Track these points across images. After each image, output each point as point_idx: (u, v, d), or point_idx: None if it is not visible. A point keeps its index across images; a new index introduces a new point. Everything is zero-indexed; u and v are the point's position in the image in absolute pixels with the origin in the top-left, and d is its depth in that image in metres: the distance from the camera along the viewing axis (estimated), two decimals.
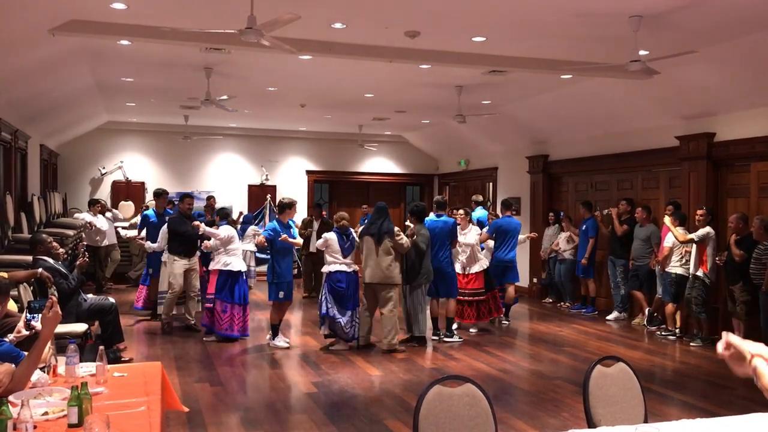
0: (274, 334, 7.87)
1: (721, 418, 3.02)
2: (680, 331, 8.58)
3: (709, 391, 6.21)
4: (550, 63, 7.61)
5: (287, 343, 7.86)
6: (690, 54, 6.20)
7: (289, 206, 7.93)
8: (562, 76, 8.47)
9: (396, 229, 7.70)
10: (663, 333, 8.71)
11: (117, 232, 12.26)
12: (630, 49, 6.15)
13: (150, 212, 9.54)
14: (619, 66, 6.30)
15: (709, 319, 8.24)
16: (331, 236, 7.69)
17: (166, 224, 8.73)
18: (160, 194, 9.50)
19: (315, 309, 10.64)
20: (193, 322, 8.66)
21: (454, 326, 8.52)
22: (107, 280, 12.58)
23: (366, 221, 8.70)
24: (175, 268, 8.43)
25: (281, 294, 7.67)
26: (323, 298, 7.63)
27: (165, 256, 8.67)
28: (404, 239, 7.66)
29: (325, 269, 7.69)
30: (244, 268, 8.18)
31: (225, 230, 8.16)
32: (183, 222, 8.44)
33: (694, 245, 8.09)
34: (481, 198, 11.63)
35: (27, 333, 3.76)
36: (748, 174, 8.17)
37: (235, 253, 8.10)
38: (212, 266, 8.15)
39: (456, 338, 8.30)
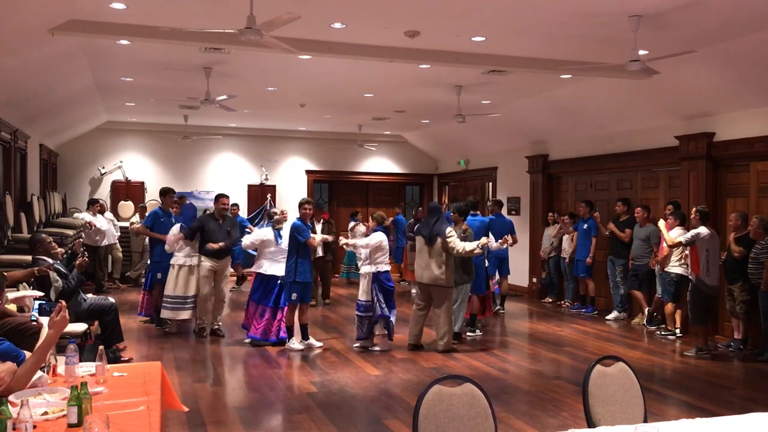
0: (289, 336, 7.74)
1: (720, 418, 3.02)
2: (680, 331, 8.58)
3: (709, 391, 6.21)
4: (550, 63, 7.61)
5: (302, 345, 7.71)
6: (689, 54, 6.20)
7: (299, 205, 7.82)
8: (561, 75, 8.47)
9: (448, 230, 7.50)
10: (663, 333, 8.71)
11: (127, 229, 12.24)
12: (629, 49, 6.15)
13: (157, 210, 9.12)
14: (618, 66, 6.30)
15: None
16: (383, 237, 7.67)
17: (177, 224, 8.44)
18: (166, 192, 9.17)
19: (316, 311, 10.66)
20: (217, 326, 8.41)
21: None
22: (113, 280, 12.56)
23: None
24: (202, 270, 8.20)
25: (294, 295, 7.56)
26: (374, 299, 7.52)
27: (173, 260, 8.35)
28: (455, 242, 7.42)
29: (373, 269, 7.58)
30: (279, 273, 7.82)
31: (262, 233, 8.02)
32: (215, 221, 8.28)
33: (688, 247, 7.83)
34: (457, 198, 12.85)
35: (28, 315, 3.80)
36: (748, 174, 8.17)
37: (272, 257, 7.87)
38: (252, 269, 8.09)
39: (478, 332, 8.56)
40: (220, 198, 8.45)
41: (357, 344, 7.79)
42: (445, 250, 7.43)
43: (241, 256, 10.87)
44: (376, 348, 7.72)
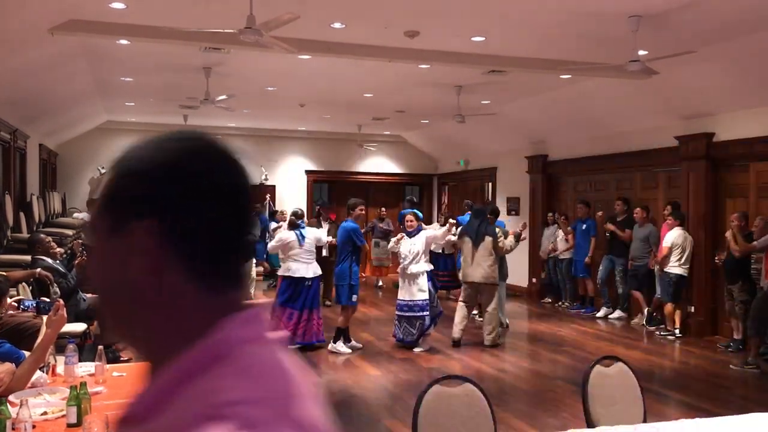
0: (347, 339, 7.61)
1: (719, 418, 3.03)
2: (680, 331, 8.58)
3: (708, 391, 6.21)
4: (550, 63, 7.61)
5: (359, 346, 7.66)
6: (689, 54, 6.20)
7: (353, 207, 7.71)
8: (561, 76, 8.46)
9: (497, 230, 7.91)
10: (662, 333, 8.71)
11: None
12: (629, 49, 6.15)
13: None
14: (618, 66, 6.30)
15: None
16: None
17: None
18: None
19: None
20: None
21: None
22: None
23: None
24: None
25: (354, 297, 7.50)
26: (435, 296, 7.61)
27: None
28: (504, 242, 7.90)
29: (424, 267, 7.60)
30: (308, 274, 7.60)
31: (276, 237, 7.79)
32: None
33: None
34: (414, 199, 13.15)
35: (14, 312, 3.80)
36: (747, 174, 8.17)
37: (297, 259, 7.60)
38: (279, 272, 7.86)
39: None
40: None
41: (420, 348, 7.66)
42: (494, 249, 7.81)
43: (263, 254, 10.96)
44: (420, 349, 7.66)
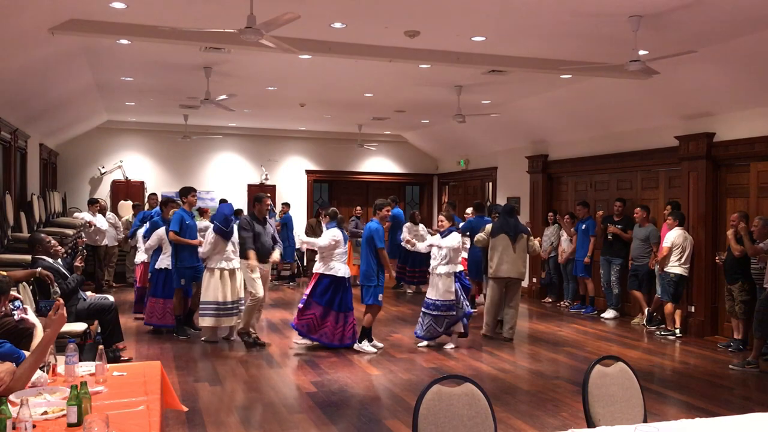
0: (362, 338, 7.61)
1: (720, 418, 3.03)
2: (680, 331, 8.58)
3: (708, 391, 6.21)
4: (550, 63, 7.62)
5: (379, 347, 7.66)
6: (690, 54, 6.21)
7: (380, 207, 7.71)
8: (561, 75, 8.47)
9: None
10: (662, 333, 8.71)
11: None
12: (630, 48, 6.16)
13: (182, 212, 8.24)
14: (618, 66, 6.31)
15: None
16: (460, 237, 8.03)
17: (213, 227, 7.94)
18: (188, 192, 8.42)
19: None
20: (255, 335, 7.88)
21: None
22: (109, 284, 12.48)
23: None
24: (254, 274, 7.61)
25: (380, 296, 7.54)
26: (461, 297, 7.67)
27: (212, 263, 7.89)
28: (535, 243, 8.37)
29: (455, 268, 7.66)
30: (347, 274, 7.59)
31: (329, 235, 7.61)
32: (259, 223, 7.76)
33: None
34: (396, 198, 13.24)
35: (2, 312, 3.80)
36: (748, 174, 8.18)
37: (340, 258, 7.58)
38: (315, 269, 7.73)
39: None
40: (263, 199, 7.95)
41: (424, 343, 7.81)
42: (527, 247, 8.24)
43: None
44: (451, 346, 7.78)
